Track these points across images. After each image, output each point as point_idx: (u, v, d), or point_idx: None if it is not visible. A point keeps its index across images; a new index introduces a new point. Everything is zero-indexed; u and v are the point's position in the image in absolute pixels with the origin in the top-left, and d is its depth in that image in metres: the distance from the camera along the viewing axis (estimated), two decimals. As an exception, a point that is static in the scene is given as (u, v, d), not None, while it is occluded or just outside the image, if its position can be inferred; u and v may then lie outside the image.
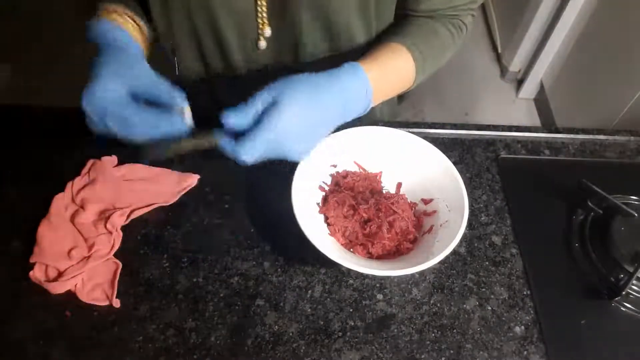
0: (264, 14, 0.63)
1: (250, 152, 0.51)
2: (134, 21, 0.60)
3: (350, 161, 0.69)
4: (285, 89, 0.51)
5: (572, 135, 0.80)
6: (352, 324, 0.59)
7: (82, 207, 0.64)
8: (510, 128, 0.80)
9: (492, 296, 0.62)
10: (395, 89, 0.65)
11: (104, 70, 0.51)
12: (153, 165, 0.70)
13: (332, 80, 0.54)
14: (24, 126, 0.75)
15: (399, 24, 0.68)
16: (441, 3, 0.66)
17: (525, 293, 0.63)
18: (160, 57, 0.69)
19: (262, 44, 0.67)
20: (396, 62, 0.62)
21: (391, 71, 0.62)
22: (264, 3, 0.62)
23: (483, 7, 2.47)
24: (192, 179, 0.70)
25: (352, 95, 0.56)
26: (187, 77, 0.74)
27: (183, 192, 0.69)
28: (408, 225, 0.63)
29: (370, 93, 0.57)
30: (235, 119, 0.51)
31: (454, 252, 0.65)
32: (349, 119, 0.57)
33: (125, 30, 0.57)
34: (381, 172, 0.69)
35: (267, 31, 0.65)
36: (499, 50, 2.22)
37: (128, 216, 0.65)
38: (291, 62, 0.70)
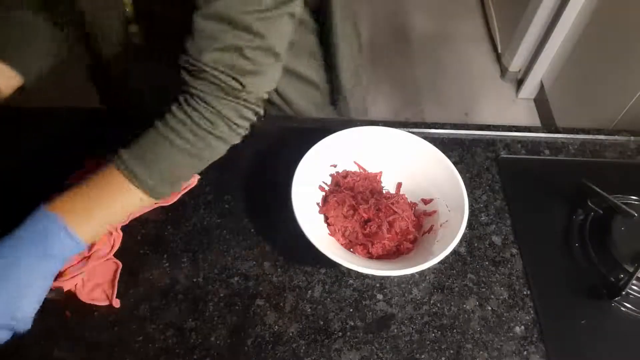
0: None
1: None
2: None
3: (350, 161, 0.69)
4: None
5: (572, 135, 0.80)
6: (352, 324, 0.59)
7: (82, 207, 0.64)
8: (510, 128, 0.80)
9: (492, 296, 0.62)
10: (107, 207, 0.55)
11: None
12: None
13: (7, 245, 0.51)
14: (24, 126, 0.75)
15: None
16: (188, 48, 0.55)
17: (525, 293, 0.63)
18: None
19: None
20: (98, 185, 0.55)
21: (96, 198, 0.54)
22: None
23: (483, 7, 2.47)
24: (192, 179, 0.70)
25: (37, 235, 0.51)
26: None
27: (183, 192, 0.69)
28: (408, 225, 0.63)
29: (65, 229, 0.51)
30: None
31: (454, 252, 0.65)
32: (57, 256, 0.52)
33: None
34: (381, 172, 0.69)
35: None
36: (499, 50, 2.22)
37: (128, 216, 0.65)
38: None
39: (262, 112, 0.60)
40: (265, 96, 0.60)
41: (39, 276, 0.51)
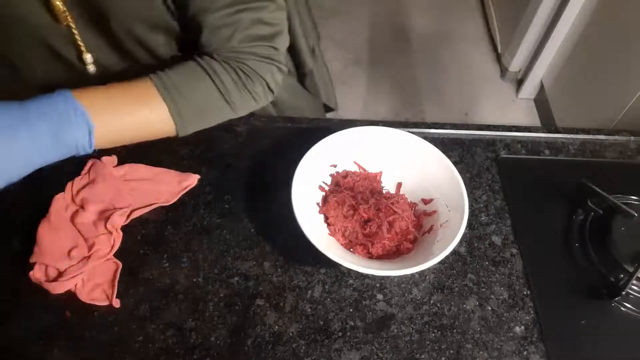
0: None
1: None
2: None
3: (350, 161, 0.69)
4: None
5: (572, 135, 0.80)
6: (352, 324, 0.59)
7: (82, 207, 0.64)
8: (510, 128, 0.80)
9: (492, 296, 0.62)
10: (130, 113, 0.56)
11: None
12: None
13: (17, 105, 0.49)
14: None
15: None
16: (209, 43, 0.58)
17: (525, 293, 0.63)
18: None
19: (91, 68, 0.67)
20: (129, 89, 0.56)
21: (118, 100, 0.55)
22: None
23: (483, 7, 2.48)
24: (192, 179, 0.70)
25: (54, 116, 0.50)
26: None
27: (183, 192, 0.69)
28: (408, 225, 0.63)
29: (82, 114, 0.51)
30: None
31: (454, 252, 0.65)
32: (64, 142, 0.51)
33: None
34: (381, 172, 0.69)
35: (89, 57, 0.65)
36: (499, 50, 2.22)
37: (128, 216, 0.65)
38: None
39: (287, 70, 0.65)
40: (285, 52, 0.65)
41: (22, 154, 0.49)
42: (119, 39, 0.63)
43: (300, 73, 0.84)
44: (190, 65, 0.59)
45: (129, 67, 0.69)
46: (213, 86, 0.59)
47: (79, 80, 0.69)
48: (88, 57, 0.65)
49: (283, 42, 0.62)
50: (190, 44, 0.62)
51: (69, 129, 0.51)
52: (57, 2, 0.57)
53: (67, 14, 0.59)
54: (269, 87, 0.62)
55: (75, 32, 0.62)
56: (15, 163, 0.49)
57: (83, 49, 0.64)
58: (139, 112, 0.55)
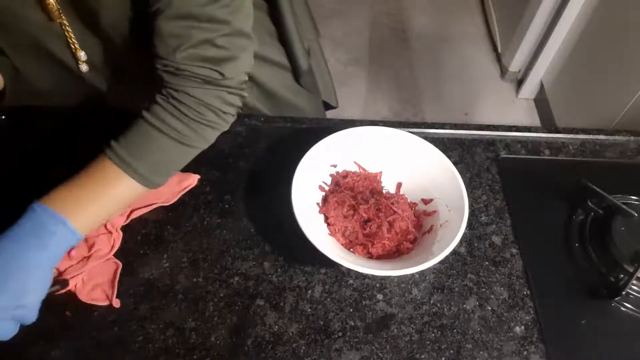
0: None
1: None
2: None
3: (350, 161, 0.69)
4: None
5: (572, 135, 0.80)
6: (352, 324, 0.59)
7: (82, 207, 0.64)
8: (510, 128, 0.80)
9: (492, 296, 0.62)
10: (101, 199, 0.55)
11: None
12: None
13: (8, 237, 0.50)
14: (24, 126, 0.75)
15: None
16: (156, 48, 0.56)
17: (525, 293, 0.63)
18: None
19: (83, 67, 0.67)
20: (91, 176, 0.56)
21: (86, 188, 0.55)
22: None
23: (483, 7, 2.47)
24: (192, 179, 0.70)
25: (43, 233, 0.51)
26: None
27: (183, 192, 0.69)
28: (408, 225, 0.63)
29: (62, 223, 0.52)
30: None
31: (454, 252, 0.65)
32: (56, 252, 0.52)
33: None
34: (381, 172, 0.69)
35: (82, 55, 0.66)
36: (499, 50, 2.22)
37: (128, 216, 0.65)
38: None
39: (246, 94, 0.62)
40: (246, 78, 0.61)
41: (39, 269, 0.51)
42: (109, 36, 0.63)
43: (297, 72, 0.84)
44: (138, 124, 0.57)
45: (119, 65, 0.69)
46: (165, 138, 0.57)
47: (73, 80, 0.69)
48: (82, 55, 0.66)
49: (234, 69, 0.58)
50: None
51: (57, 241, 0.52)
52: (50, 0, 0.57)
53: (60, 12, 0.59)
54: (222, 112, 0.59)
55: (69, 29, 0.62)
56: (36, 292, 0.51)
57: (76, 46, 0.64)
58: (109, 194, 0.55)
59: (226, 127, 0.61)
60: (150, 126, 0.56)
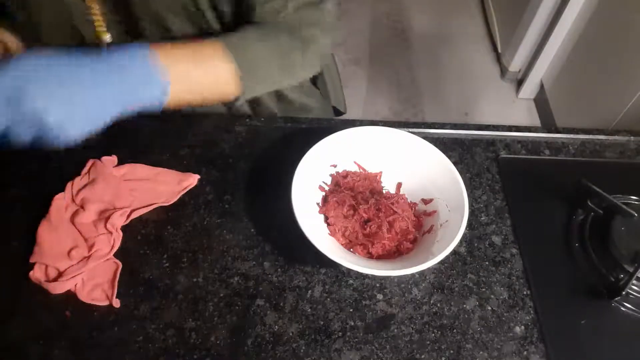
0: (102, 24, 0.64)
1: None
2: None
3: (350, 161, 0.69)
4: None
5: (572, 135, 0.80)
6: (352, 324, 0.59)
7: (82, 207, 0.64)
8: (510, 128, 0.80)
9: (492, 296, 0.62)
10: (200, 65, 0.57)
11: None
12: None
13: (95, 57, 0.50)
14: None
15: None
16: (263, 14, 0.62)
17: (525, 293, 0.63)
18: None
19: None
20: (201, 47, 0.58)
21: (190, 54, 0.57)
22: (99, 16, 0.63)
23: (483, 7, 2.47)
24: (192, 179, 0.70)
25: (124, 60, 0.50)
26: None
27: (183, 192, 0.69)
28: (408, 225, 0.63)
29: (158, 69, 0.52)
30: None
31: (454, 252, 0.65)
32: (139, 95, 0.52)
33: None
34: (381, 172, 0.69)
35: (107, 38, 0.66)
36: (499, 50, 2.22)
37: (128, 216, 0.65)
38: None
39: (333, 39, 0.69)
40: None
41: (112, 98, 0.49)
42: (138, 19, 0.64)
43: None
44: (251, 28, 0.61)
45: None
46: (275, 47, 0.61)
47: None
48: (107, 37, 0.66)
49: (331, 5, 0.66)
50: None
51: (143, 83, 0.52)
52: None
53: None
54: (318, 53, 0.65)
55: (98, 11, 0.63)
56: (91, 112, 0.49)
57: (104, 28, 0.65)
58: (209, 71, 0.57)
59: (315, 71, 0.68)
60: (263, 34, 0.61)
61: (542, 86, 2.04)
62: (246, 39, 0.61)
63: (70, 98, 0.46)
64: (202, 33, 0.66)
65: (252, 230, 0.66)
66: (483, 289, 0.63)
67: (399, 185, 0.69)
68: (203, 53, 0.58)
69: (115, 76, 0.49)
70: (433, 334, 0.59)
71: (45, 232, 0.62)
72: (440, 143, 0.77)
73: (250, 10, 0.63)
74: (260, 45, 0.61)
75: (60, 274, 0.59)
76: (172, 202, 0.68)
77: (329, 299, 0.61)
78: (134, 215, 0.65)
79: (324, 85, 0.90)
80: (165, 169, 0.70)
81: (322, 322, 0.59)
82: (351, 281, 0.62)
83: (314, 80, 0.88)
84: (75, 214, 0.64)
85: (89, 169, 0.68)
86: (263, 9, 0.62)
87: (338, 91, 0.96)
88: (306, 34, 0.65)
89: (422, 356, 0.57)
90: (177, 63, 0.55)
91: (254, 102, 0.81)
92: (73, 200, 0.65)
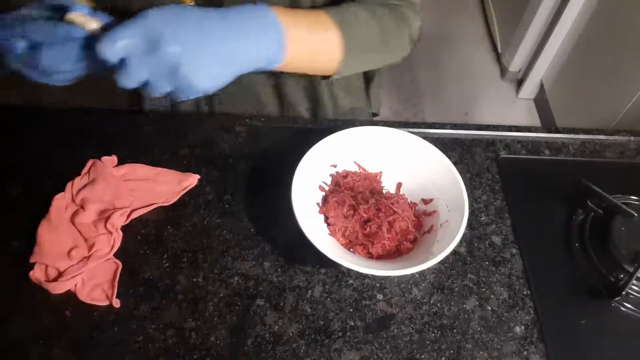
0: None
1: (114, 40, 0.43)
2: None
3: (350, 161, 0.69)
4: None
5: (572, 135, 0.80)
6: (352, 324, 0.59)
7: (82, 207, 0.64)
8: (510, 128, 0.80)
9: (492, 296, 0.62)
10: (313, 38, 0.58)
11: None
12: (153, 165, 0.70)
13: (218, 12, 0.50)
14: (24, 126, 0.75)
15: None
16: None
17: (525, 293, 0.63)
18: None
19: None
20: (313, 17, 0.58)
21: (306, 20, 0.57)
22: None
23: (483, 7, 2.47)
24: (192, 179, 0.70)
25: (251, 13, 0.51)
26: None
27: (183, 192, 0.69)
28: (408, 225, 0.63)
29: (278, 28, 0.52)
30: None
31: (454, 252, 0.65)
32: (259, 53, 0.52)
33: None
34: (381, 172, 0.69)
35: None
36: (499, 50, 2.22)
37: (128, 216, 0.65)
38: None
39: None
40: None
41: (237, 55, 0.50)
42: None
43: (366, 77, 0.85)
44: (355, 5, 0.61)
45: None
46: (375, 26, 0.61)
47: None
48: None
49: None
50: None
51: (265, 41, 0.52)
52: None
53: None
54: (411, 36, 0.66)
55: None
56: (218, 67, 0.49)
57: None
58: (321, 40, 0.58)
59: (406, 53, 0.69)
60: (367, 12, 0.61)
61: (542, 86, 2.04)
62: (354, 16, 0.60)
63: (201, 49, 0.47)
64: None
65: (252, 230, 0.66)
66: (483, 289, 0.63)
67: (399, 185, 0.69)
68: (317, 21, 0.58)
69: (243, 33, 0.50)
70: (433, 334, 0.59)
71: (45, 232, 0.62)
72: (440, 143, 0.77)
73: None
74: (365, 24, 0.61)
75: (60, 274, 0.59)
76: (172, 202, 0.68)
77: (329, 299, 0.61)
78: (134, 215, 0.65)
79: (374, 89, 0.89)
80: (165, 169, 0.70)
81: (322, 322, 0.59)
82: (351, 281, 0.62)
83: (368, 84, 0.87)
84: (75, 214, 0.64)
85: (89, 169, 0.68)
86: None
87: (379, 95, 0.95)
88: (404, 14, 0.65)
89: (422, 356, 0.57)
90: (296, 26, 0.55)
91: (315, 106, 0.81)
92: (73, 200, 0.65)
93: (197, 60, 0.46)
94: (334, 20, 0.59)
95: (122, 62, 0.45)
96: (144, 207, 0.66)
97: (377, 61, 0.68)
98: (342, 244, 0.62)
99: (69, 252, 0.60)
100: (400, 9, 0.65)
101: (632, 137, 0.81)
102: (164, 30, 0.44)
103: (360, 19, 0.61)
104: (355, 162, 0.69)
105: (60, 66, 0.47)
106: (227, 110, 0.81)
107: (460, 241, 0.63)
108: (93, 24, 0.47)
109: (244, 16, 0.51)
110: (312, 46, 0.58)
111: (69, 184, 0.66)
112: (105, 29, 0.46)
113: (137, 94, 0.85)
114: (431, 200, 0.65)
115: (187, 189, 0.69)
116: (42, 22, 0.47)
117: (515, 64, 2.10)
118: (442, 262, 0.64)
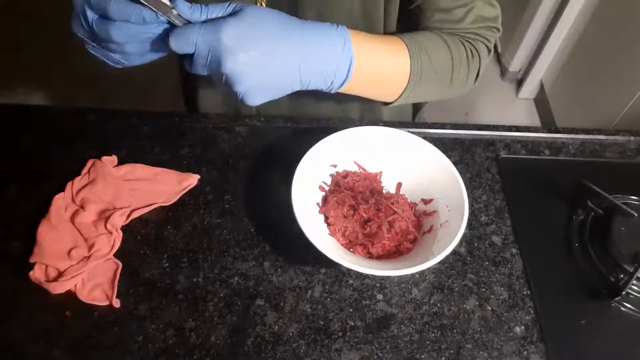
0: None
1: (181, 38, 0.45)
2: None
3: (350, 161, 0.69)
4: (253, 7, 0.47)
5: (572, 135, 0.80)
6: (352, 324, 0.59)
7: (82, 207, 0.64)
8: (510, 128, 0.80)
9: (492, 296, 0.62)
10: (382, 66, 0.58)
11: None
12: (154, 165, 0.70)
13: (306, 21, 0.50)
14: (24, 126, 0.75)
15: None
16: (441, 21, 0.62)
17: (525, 293, 0.63)
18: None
19: None
20: (386, 44, 0.58)
21: (378, 46, 0.57)
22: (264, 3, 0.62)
23: (483, 7, 2.47)
24: (192, 179, 0.70)
25: (325, 40, 0.50)
26: None
27: (183, 192, 0.69)
28: (408, 225, 0.63)
29: (349, 50, 0.52)
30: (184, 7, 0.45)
31: (454, 252, 0.65)
32: (327, 69, 0.51)
33: None
34: (381, 172, 0.69)
35: None
36: (499, 50, 2.22)
37: (128, 216, 0.65)
38: None
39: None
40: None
41: (302, 72, 0.50)
42: (303, 9, 0.62)
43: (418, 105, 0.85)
44: (432, 35, 0.61)
45: None
46: (449, 58, 0.60)
47: None
48: None
49: (500, 24, 0.65)
50: None
51: (336, 63, 0.52)
52: None
53: None
54: (478, 73, 0.64)
55: (264, 0, 0.62)
56: (277, 83, 0.50)
57: (263, 3, 0.63)
58: (390, 67, 0.58)
59: (467, 90, 0.67)
60: (443, 42, 0.60)
61: (542, 86, 2.04)
62: (428, 47, 0.59)
63: (266, 70, 0.47)
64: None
65: (252, 230, 0.66)
66: (483, 289, 0.63)
67: (399, 185, 0.69)
68: (391, 48, 0.57)
69: (316, 52, 0.49)
70: (433, 334, 0.59)
71: (45, 232, 0.62)
72: (440, 143, 0.77)
73: (422, 13, 0.61)
74: (436, 57, 0.60)
75: (60, 274, 0.59)
76: (172, 202, 0.68)
77: (329, 299, 0.61)
78: (134, 215, 0.65)
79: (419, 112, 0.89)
80: (165, 169, 0.70)
81: (322, 322, 0.59)
82: (351, 281, 0.62)
83: (418, 108, 0.86)
84: (75, 214, 0.64)
85: (89, 169, 0.68)
86: (442, 17, 0.61)
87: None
88: (476, 51, 0.63)
89: (422, 356, 0.57)
90: (367, 50, 0.54)
91: (365, 110, 0.81)
92: (73, 200, 0.65)
93: (257, 81, 0.48)
94: (409, 45, 0.58)
95: (191, 57, 0.46)
96: (144, 207, 0.66)
97: (439, 96, 0.67)
98: (342, 244, 0.62)
99: (69, 252, 0.60)
100: (477, 45, 0.64)
101: (632, 137, 0.81)
102: (227, 43, 0.44)
103: (433, 55, 0.60)
104: (355, 162, 0.69)
105: (127, 45, 0.47)
106: (270, 110, 0.79)
107: (460, 241, 0.63)
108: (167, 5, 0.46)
109: (320, 35, 0.50)
110: (379, 73, 0.58)
111: (69, 184, 0.66)
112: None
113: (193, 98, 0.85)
114: (431, 200, 0.65)
115: (187, 189, 0.69)
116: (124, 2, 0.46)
117: (515, 64, 2.10)
118: (442, 262, 0.64)
